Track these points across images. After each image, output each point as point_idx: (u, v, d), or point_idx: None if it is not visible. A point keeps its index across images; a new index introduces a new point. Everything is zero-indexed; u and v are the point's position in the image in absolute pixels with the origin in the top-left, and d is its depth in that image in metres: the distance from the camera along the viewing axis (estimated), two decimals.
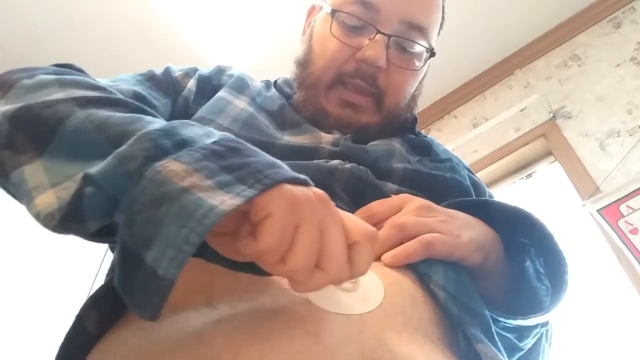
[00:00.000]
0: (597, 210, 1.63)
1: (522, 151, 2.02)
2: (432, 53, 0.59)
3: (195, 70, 0.61)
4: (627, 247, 1.53)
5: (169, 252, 0.23)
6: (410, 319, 0.33)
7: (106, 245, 0.52)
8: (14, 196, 0.35)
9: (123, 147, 0.28)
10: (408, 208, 0.42)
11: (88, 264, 1.79)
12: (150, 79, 0.56)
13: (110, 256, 0.45)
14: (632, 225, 1.56)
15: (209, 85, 0.59)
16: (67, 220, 0.28)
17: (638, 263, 1.50)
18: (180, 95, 0.57)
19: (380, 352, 0.28)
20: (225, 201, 0.24)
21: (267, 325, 0.28)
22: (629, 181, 1.65)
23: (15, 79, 0.39)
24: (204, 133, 0.31)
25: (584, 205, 1.68)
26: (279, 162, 0.30)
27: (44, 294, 1.63)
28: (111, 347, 0.32)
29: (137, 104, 0.37)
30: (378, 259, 0.38)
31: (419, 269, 0.38)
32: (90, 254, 1.80)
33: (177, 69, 0.60)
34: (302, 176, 0.29)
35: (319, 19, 0.61)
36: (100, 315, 0.34)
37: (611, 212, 1.61)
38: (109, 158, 0.28)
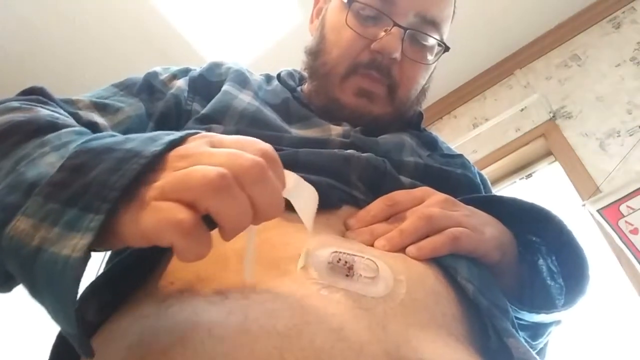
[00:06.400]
0: (598, 210, 1.63)
1: (522, 151, 2.01)
2: (445, 48, 0.59)
3: (187, 70, 0.60)
4: (627, 247, 1.53)
5: (61, 318, 0.25)
6: (434, 315, 0.32)
7: None
8: None
9: None
10: (432, 200, 0.42)
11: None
12: (124, 88, 0.56)
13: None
14: (632, 225, 1.56)
15: (203, 82, 0.59)
16: None
17: (638, 263, 1.50)
18: (166, 95, 0.56)
19: (404, 350, 0.27)
20: (77, 244, 0.24)
21: (284, 319, 0.27)
22: (629, 181, 1.64)
23: None
24: (56, 158, 0.30)
25: (584, 205, 1.68)
26: (128, 145, 0.27)
27: None
28: (112, 336, 0.31)
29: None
30: (403, 250, 0.37)
31: (444, 262, 0.37)
32: None
33: (163, 72, 0.59)
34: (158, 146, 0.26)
35: (332, 7, 0.61)
36: (100, 304, 0.34)
37: (611, 212, 1.61)
38: None
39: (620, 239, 1.55)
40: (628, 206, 1.59)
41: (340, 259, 0.32)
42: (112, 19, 1.93)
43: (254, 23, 1.97)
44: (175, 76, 0.59)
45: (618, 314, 1.56)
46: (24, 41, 1.97)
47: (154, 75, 0.58)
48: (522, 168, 2.07)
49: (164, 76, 0.58)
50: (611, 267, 1.59)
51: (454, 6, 0.61)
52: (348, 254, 0.33)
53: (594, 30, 2.03)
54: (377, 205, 0.41)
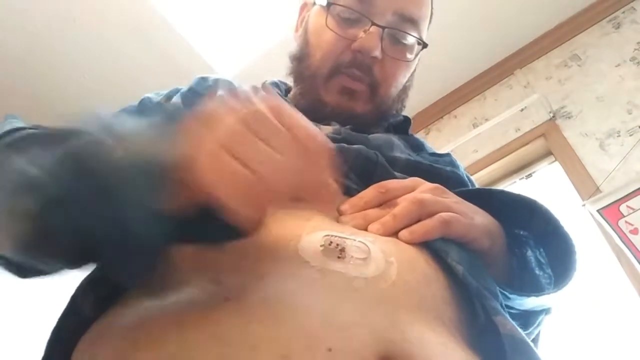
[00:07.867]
0: (598, 210, 1.63)
1: (522, 151, 2.01)
2: (423, 45, 0.61)
3: (177, 89, 0.63)
4: (627, 247, 1.53)
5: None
6: (424, 298, 0.33)
7: None
8: None
9: None
10: (423, 188, 0.43)
11: None
12: (128, 114, 0.57)
13: None
14: (632, 225, 1.56)
15: (195, 95, 0.61)
16: None
17: (638, 263, 1.50)
18: None
19: (392, 333, 0.28)
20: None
21: (277, 303, 0.28)
22: (629, 181, 1.64)
23: None
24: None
25: (584, 205, 1.67)
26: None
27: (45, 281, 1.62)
28: (109, 326, 0.31)
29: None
30: (395, 235, 0.38)
31: (435, 246, 0.38)
32: None
33: (156, 96, 0.61)
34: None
35: (314, 13, 0.63)
36: (96, 298, 0.34)
37: (611, 212, 1.60)
38: None
39: (620, 239, 1.55)
40: (628, 206, 1.59)
41: (332, 242, 0.33)
42: (112, 18, 1.93)
43: (254, 23, 1.97)
44: (169, 97, 0.61)
45: (618, 314, 1.56)
46: (24, 41, 1.97)
47: (148, 100, 0.60)
48: (522, 168, 2.06)
49: (158, 99, 0.60)
50: (611, 267, 1.58)
51: (432, 7, 0.64)
52: (340, 236, 0.33)
53: (594, 30, 2.03)
54: (370, 192, 0.42)
